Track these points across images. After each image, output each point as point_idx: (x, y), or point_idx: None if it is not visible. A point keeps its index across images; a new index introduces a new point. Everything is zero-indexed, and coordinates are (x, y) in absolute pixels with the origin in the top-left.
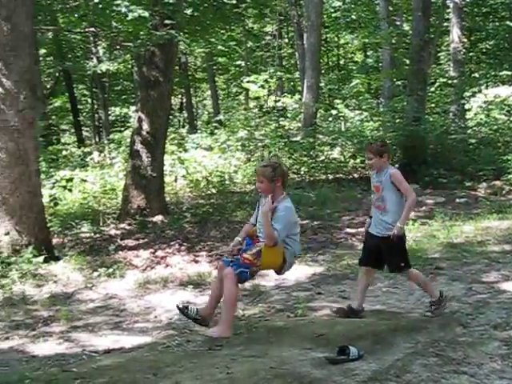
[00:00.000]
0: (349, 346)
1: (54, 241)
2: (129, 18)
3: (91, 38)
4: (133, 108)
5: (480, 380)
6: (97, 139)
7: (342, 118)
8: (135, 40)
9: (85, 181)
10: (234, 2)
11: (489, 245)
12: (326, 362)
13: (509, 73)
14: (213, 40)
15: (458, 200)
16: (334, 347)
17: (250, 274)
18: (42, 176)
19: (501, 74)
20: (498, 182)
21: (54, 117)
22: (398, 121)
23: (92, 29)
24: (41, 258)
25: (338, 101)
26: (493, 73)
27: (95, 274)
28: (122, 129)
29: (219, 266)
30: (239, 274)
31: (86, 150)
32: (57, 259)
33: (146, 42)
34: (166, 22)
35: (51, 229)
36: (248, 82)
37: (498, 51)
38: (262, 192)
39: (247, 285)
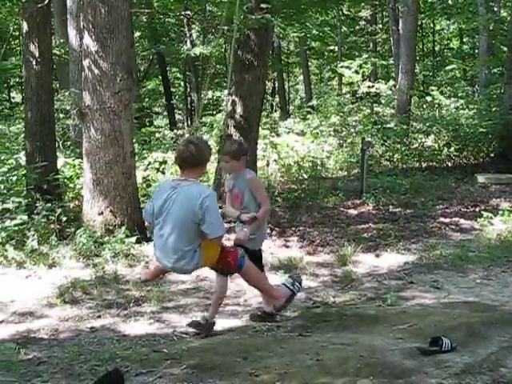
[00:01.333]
0: (442, 337)
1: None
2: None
3: (185, 22)
4: (225, 92)
5: None
6: (189, 122)
7: (436, 106)
8: (230, 24)
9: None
10: None
11: None
12: (418, 352)
13: None
14: (307, 24)
15: None
16: (426, 338)
17: None
18: (136, 158)
19: None
20: None
21: (147, 99)
22: (494, 109)
23: (187, 12)
24: (133, 239)
25: (433, 88)
26: None
27: None
28: (214, 112)
29: None
30: None
31: (179, 132)
32: (149, 240)
33: (240, 27)
34: (262, 5)
35: (144, 210)
36: (342, 67)
37: None
38: None
39: (339, 271)
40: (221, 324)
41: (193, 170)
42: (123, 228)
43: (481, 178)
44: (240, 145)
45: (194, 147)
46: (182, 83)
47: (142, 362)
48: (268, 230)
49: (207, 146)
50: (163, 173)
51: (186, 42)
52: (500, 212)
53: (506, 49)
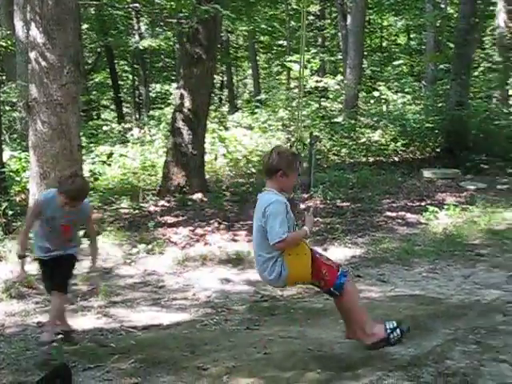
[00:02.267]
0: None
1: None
2: None
3: (134, 14)
4: (174, 85)
5: None
6: (137, 116)
7: (384, 101)
8: (178, 16)
9: (125, 156)
10: None
11: None
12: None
13: None
14: (256, 18)
15: (499, 186)
16: None
17: None
18: (83, 151)
19: None
20: None
21: (94, 92)
22: (440, 105)
23: (135, 4)
24: (80, 233)
25: (380, 83)
26: None
27: (134, 250)
28: (163, 106)
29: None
30: None
31: (127, 126)
32: (98, 234)
33: (190, 17)
34: None
35: (91, 204)
36: (290, 61)
37: None
38: None
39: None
40: (169, 318)
41: (270, 179)
42: None
43: (427, 173)
44: (81, 181)
45: (270, 156)
46: (130, 76)
47: (89, 356)
48: (216, 224)
49: (285, 155)
50: (109, 165)
51: (134, 34)
52: (445, 206)
53: (452, 45)
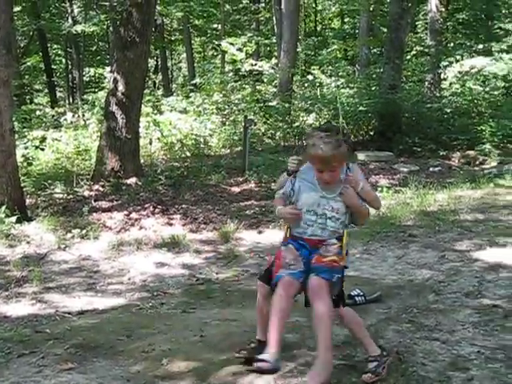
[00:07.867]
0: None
1: (27, 201)
2: None
3: None
4: (107, 69)
5: (451, 347)
6: (70, 100)
7: (317, 84)
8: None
9: (58, 140)
10: None
11: (462, 213)
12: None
13: (485, 44)
14: (190, 1)
15: (431, 169)
16: (307, 311)
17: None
18: (15, 136)
19: (477, 45)
20: (471, 152)
21: (27, 76)
22: (373, 88)
23: None
24: (13, 218)
25: (314, 67)
26: (469, 43)
27: (69, 235)
28: (96, 90)
29: (285, 283)
30: (337, 281)
31: (60, 110)
32: (30, 220)
33: (123, 0)
34: None
35: (24, 189)
36: (226, 43)
37: (475, 22)
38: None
39: (223, 248)
40: (104, 303)
41: None
42: (3, 207)
43: (361, 156)
44: None
45: None
46: (64, 60)
47: (24, 342)
48: (151, 208)
49: None
50: (42, 150)
51: (67, 18)
52: (379, 188)
53: (385, 29)
